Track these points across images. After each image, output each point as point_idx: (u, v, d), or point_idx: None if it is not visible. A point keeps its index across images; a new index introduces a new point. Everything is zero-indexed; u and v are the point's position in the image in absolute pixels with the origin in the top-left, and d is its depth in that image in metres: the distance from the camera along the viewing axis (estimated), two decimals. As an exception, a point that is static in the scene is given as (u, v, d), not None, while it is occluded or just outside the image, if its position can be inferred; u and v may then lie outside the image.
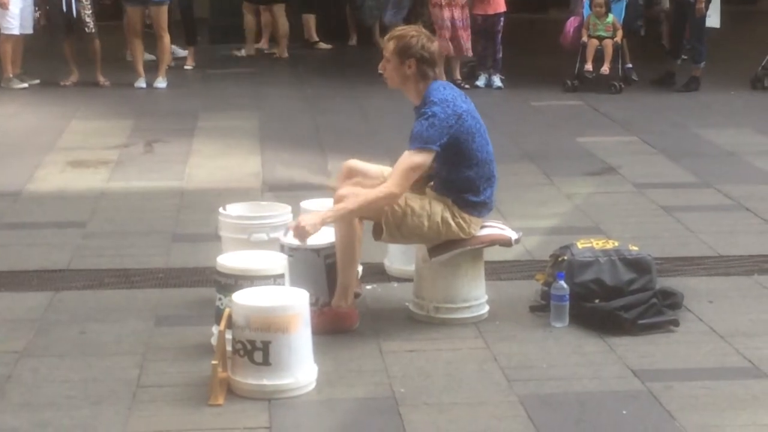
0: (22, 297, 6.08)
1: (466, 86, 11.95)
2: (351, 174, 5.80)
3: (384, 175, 5.75)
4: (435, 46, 5.59)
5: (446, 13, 12.51)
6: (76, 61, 12.90)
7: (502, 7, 12.68)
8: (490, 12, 12.62)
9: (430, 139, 5.42)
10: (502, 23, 12.76)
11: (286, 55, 14.76)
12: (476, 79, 12.82)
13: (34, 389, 4.93)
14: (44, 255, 6.77)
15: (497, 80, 12.87)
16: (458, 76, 12.46)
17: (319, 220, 5.37)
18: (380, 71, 5.69)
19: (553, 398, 4.87)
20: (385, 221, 5.53)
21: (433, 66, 5.56)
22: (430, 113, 5.44)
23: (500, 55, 12.87)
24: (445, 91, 5.54)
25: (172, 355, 5.29)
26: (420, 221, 5.53)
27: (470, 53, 12.75)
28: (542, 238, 7.02)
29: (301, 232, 5.33)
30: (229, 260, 5.29)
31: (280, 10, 14.68)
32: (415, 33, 5.57)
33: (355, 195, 5.45)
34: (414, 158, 5.41)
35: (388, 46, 5.59)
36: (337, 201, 5.49)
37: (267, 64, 14.08)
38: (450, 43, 12.42)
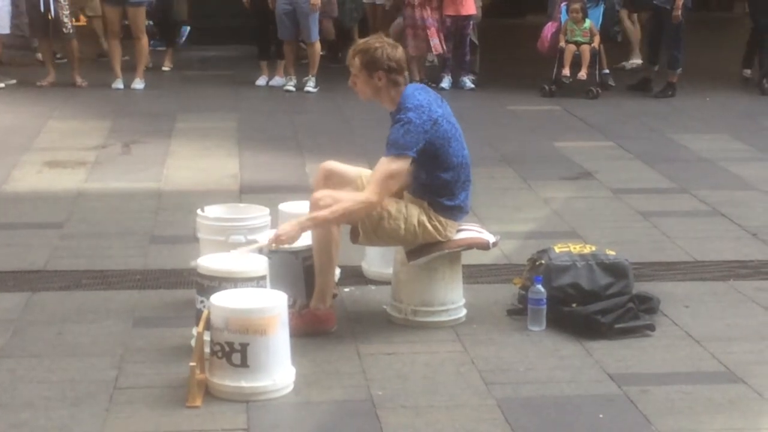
0: (-1, 297, 6.07)
1: (432, 85, 11.95)
2: (328, 176, 5.80)
3: (362, 177, 5.76)
4: (399, 52, 5.57)
5: (418, 13, 12.55)
6: (53, 62, 12.88)
7: (472, 9, 12.73)
8: (463, 13, 12.65)
9: (406, 145, 5.42)
10: (472, 25, 12.83)
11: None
12: (441, 80, 12.81)
13: (11, 390, 4.92)
14: (21, 256, 6.75)
15: (468, 81, 12.90)
16: (420, 77, 12.44)
17: (297, 228, 5.37)
18: (350, 86, 5.69)
19: (530, 401, 4.89)
20: (361, 225, 5.54)
21: (402, 73, 5.55)
22: (405, 119, 5.44)
23: (469, 57, 12.91)
24: (420, 96, 5.54)
25: (149, 356, 5.28)
26: (396, 224, 5.54)
27: (444, 52, 12.79)
28: (519, 242, 7.04)
29: (280, 242, 5.35)
30: (211, 262, 5.28)
31: None
32: (378, 44, 5.55)
33: (333, 198, 5.45)
34: (391, 166, 5.42)
35: (354, 62, 5.57)
36: (314, 204, 5.49)
37: (245, 65, 14.07)
38: (427, 43, 12.49)
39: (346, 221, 5.53)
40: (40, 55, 13.46)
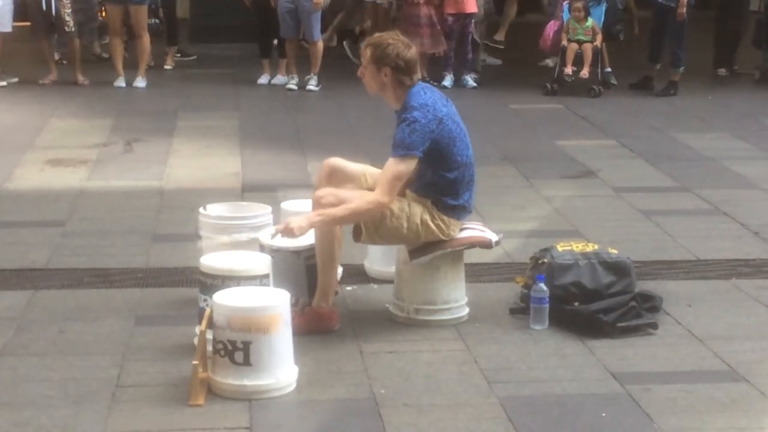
0: (1, 295, 6.06)
1: (434, 83, 11.93)
2: (332, 173, 5.80)
3: (366, 174, 5.76)
4: (412, 53, 5.55)
5: (421, 11, 12.55)
6: (54, 60, 12.88)
7: (474, 8, 12.72)
8: (465, 11, 12.64)
9: (413, 145, 5.42)
10: (473, 24, 12.83)
11: None
12: (443, 79, 12.80)
13: (13, 388, 4.92)
14: (23, 254, 6.75)
15: (470, 80, 12.89)
16: (422, 75, 12.44)
17: (306, 223, 5.35)
18: (359, 75, 5.69)
19: (532, 400, 4.89)
20: (364, 223, 5.54)
21: (410, 73, 5.54)
22: (411, 119, 5.44)
23: (471, 55, 12.91)
24: (425, 96, 5.53)
25: (151, 355, 5.28)
26: (399, 223, 5.54)
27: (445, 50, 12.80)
28: (522, 240, 7.04)
29: (289, 233, 5.33)
30: (214, 261, 5.28)
31: None
32: (392, 41, 5.54)
33: (336, 197, 5.45)
34: (399, 166, 5.42)
35: (365, 53, 5.58)
36: (316, 201, 5.49)
37: (247, 64, 14.07)
38: (428, 40, 12.49)
39: (355, 221, 5.52)
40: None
